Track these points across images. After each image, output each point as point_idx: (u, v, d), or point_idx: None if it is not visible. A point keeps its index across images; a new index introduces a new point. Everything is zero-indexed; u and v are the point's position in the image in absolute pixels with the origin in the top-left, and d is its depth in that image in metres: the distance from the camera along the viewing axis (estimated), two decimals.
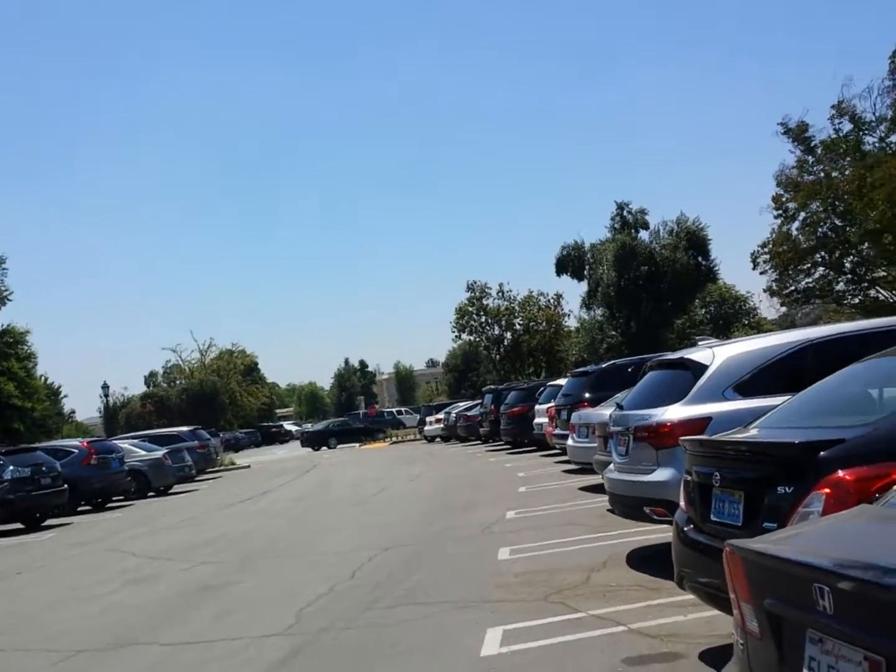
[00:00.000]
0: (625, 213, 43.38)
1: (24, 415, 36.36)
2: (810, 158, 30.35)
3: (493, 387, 32.01)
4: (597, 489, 12.66)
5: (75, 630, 7.88)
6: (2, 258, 35.47)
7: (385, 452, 37.01)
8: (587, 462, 12.23)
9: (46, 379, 64.54)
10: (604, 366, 17.04)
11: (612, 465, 8.17)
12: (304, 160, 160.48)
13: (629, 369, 15.69)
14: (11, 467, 18.07)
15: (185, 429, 32.32)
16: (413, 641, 6.16)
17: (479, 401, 32.10)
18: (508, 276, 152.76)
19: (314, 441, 48.27)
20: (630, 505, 7.58)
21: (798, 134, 29.91)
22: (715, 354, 7.34)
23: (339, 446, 45.66)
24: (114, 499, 23.06)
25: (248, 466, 36.85)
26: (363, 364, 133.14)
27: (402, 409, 70.00)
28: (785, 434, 4.66)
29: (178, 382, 75.67)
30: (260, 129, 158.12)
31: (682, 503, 5.19)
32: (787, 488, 4.07)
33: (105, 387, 50.01)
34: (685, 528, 4.95)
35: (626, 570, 7.45)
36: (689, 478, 5.03)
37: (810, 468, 4.00)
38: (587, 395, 15.90)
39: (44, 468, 18.81)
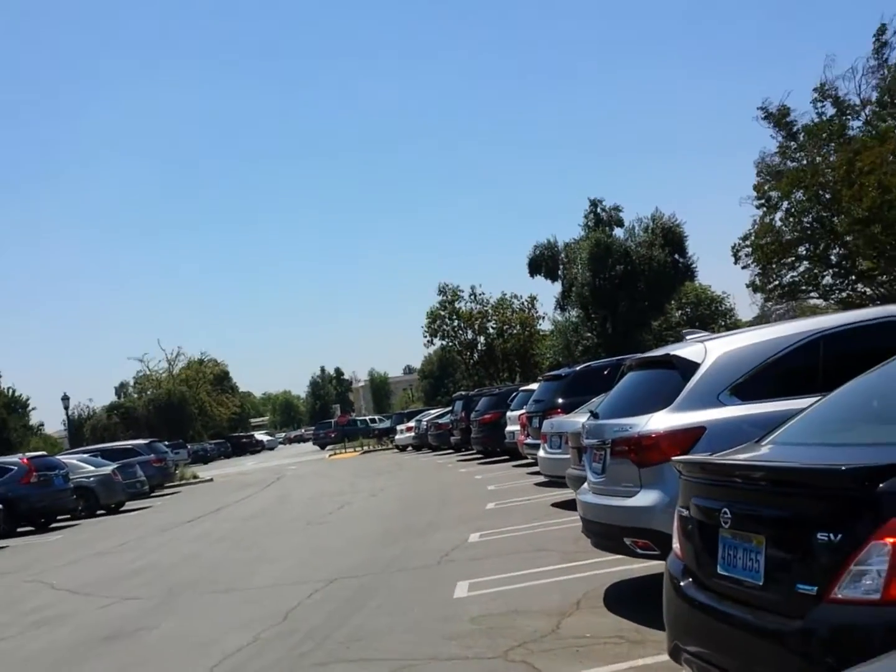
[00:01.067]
0: (598, 210, 42.06)
1: None
2: (793, 144, 28.96)
3: (463, 393, 30.67)
4: (571, 505, 11.32)
5: None
6: None
7: (353, 462, 35.59)
8: (560, 475, 10.94)
9: (14, 391, 62.73)
10: (578, 368, 15.79)
11: (585, 485, 6.87)
12: (273, 166, 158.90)
13: (605, 371, 14.56)
14: None
15: (140, 442, 30.75)
16: None
17: (451, 408, 30.76)
18: (481, 278, 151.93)
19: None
20: (607, 535, 6.27)
21: (779, 119, 28.52)
22: (707, 350, 6.07)
23: None
24: (60, 518, 21.58)
25: (211, 480, 35.26)
26: (339, 372, 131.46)
27: (376, 416, 68.51)
28: (820, 454, 3.39)
29: (146, 393, 73.72)
30: (224, 136, 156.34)
31: (675, 545, 3.90)
32: (830, 535, 2.81)
33: (65, 398, 48.17)
34: (681, 583, 3.66)
35: (604, 614, 6.16)
36: (685, 512, 3.75)
37: (866, 506, 2.75)
38: (560, 400, 14.66)
39: None
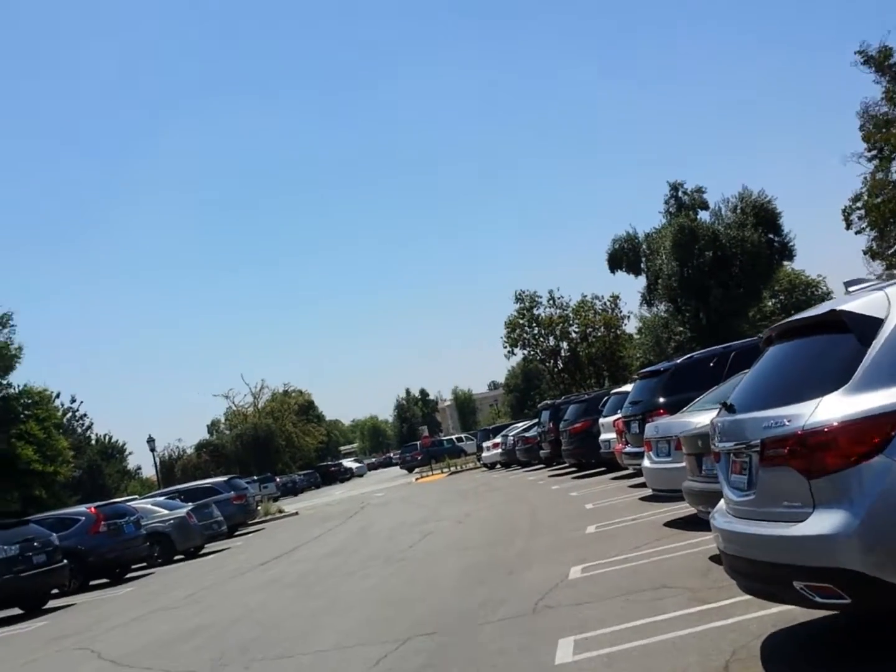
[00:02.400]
0: (680, 194, 39.24)
1: (46, 480, 33.86)
2: None
3: (549, 402, 28.62)
4: (689, 524, 9.50)
5: None
6: (8, 314, 33.11)
7: (439, 485, 33.95)
8: (673, 489, 9.05)
9: (110, 438, 63.85)
10: (679, 361, 13.82)
11: (722, 505, 5.01)
12: (341, 190, 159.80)
13: (712, 362, 12.63)
14: None
15: (219, 479, 29.74)
16: None
17: (537, 420, 28.82)
18: (560, 282, 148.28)
19: None
20: (766, 577, 4.37)
21: (881, 61, 25.28)
22: (891, 300, 4.19)
23: None
24: (136, 567, 20.54)
25: (296, 513, 34.09)
26: (424, 393, 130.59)
27: (462, 435, 66.90)
28: None
29: (234, 429, 73.90)
30: (300, 160, 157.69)
31: None
32: None
33: (150, 440, 47.94)
34: None
35: None
36: None
37: None
38: (661, 399, 12.74)
39: (36, 544, 16.29)
